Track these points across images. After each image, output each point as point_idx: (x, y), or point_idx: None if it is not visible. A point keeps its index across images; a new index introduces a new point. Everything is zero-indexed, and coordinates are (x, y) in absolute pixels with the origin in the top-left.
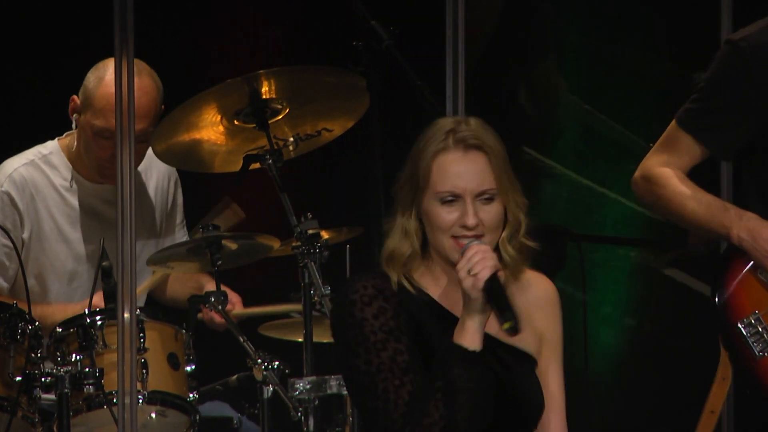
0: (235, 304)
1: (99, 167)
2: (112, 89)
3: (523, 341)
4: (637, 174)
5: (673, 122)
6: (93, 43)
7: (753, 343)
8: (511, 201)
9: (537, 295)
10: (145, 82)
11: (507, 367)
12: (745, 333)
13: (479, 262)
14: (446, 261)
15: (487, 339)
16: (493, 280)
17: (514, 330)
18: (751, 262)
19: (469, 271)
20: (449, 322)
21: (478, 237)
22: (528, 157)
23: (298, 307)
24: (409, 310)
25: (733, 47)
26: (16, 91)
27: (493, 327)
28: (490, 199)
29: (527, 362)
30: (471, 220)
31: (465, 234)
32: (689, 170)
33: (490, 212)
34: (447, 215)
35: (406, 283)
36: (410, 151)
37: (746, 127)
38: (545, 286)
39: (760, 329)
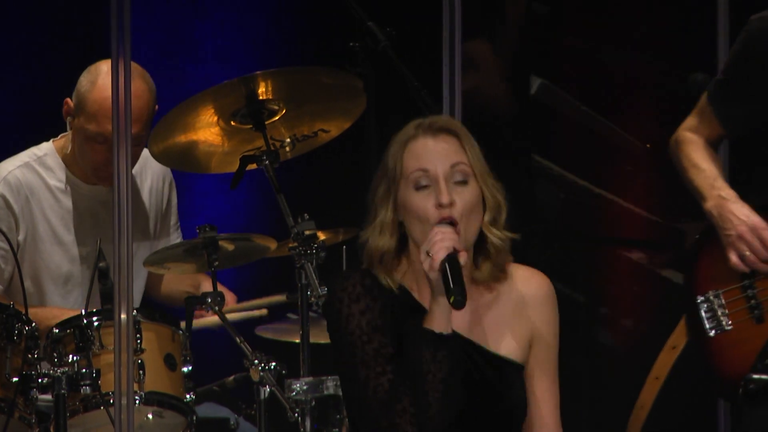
0: (228, 302)
1: (94, 170)
2: (105, 93)
3: (508, 347)
4: (673, 135)
5: (705, 91)
6: (88, 45)
7: (707, 320)
8: (487, 183)
9: (531, 293)
10: (137, 84)
11: (486, 376)
12: (702, 308)
13: (437, 242)
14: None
15: (469, 346)
16: (449, 260)
17: (458, 303)
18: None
19: (427, 252)
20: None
21: (455, 222)
22: (527, 159)
23: (285, 299)
24: (394, 310)
25: (750, 26)
26: (11, 93)
27: (476, 334)
28: (464, 182)
29: (510, 369)
30: (444, 198)
31: (442, 217)
32: (714, 140)
33: (464, 193)
34: (422, 201)
35: (389, 282)
36: (383, 156)
37: (754, 107)
38: (539, 283)
39: (716, 307)
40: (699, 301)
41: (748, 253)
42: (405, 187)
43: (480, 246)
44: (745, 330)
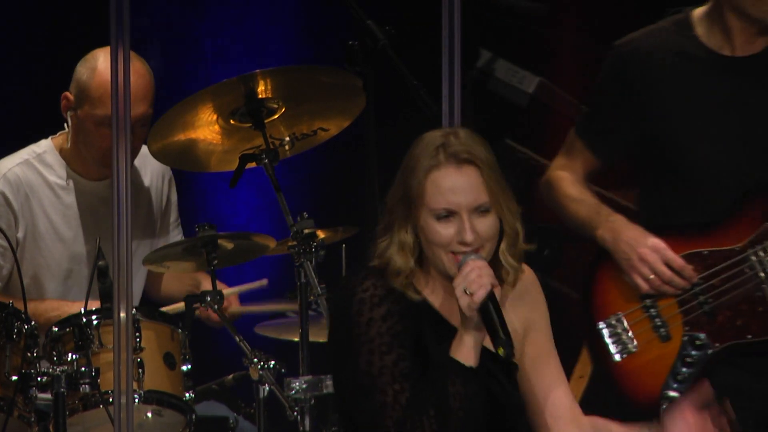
0: (231, 303)
1: (102, 158)
2: (108, 76)
3: None
4: (542, 178)
5: (573, 126)
6: (85, 42)
7: (612, 344)
8: (505, 211)
9: (518, 286)
10: (137, 66)
11: (492, 375)
12: (605, 334)
13: (475, 280)
14: (443, 274)
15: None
16: (489, 300)
17: (508, 356)
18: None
19: (465, 290)
20: (447, 330)
21: (477, 251)
22: (524, 156)
23: (294, 306)
24: (412, 316)
25: (614, 52)
26: (9, 90)
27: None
28: (485, 211)
29: (513, 369)
30: (469, 236)
31: (463, 250)
32: (588, 174)
33: (486, 224)
34: (443, 231)
35: (409, 291)
36: (401, 167)
37: (626, 132)
38: (524, 272)
39: (620, 331)
40: (601, 327)
41: (652, 276)
42: (427, 215)
43: (493, 263)
44: (652, 350)
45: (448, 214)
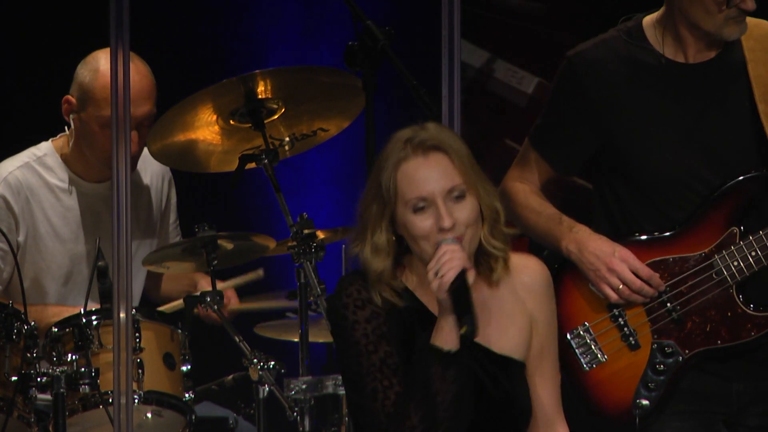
0: (231, 299)
1: (107, 160)
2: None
3: (511, 343)
4: (499, 189)
5: (527, 137)
6: (85, 43)
7: (581, 355)
8: (481, 192)
9: (526, 281)
10: (139, 66)
11: (494, 379)
12: (573, 344)
13: (446, 263)
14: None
15: (475, 348)
16: (458, 281)
17: (469, 336)
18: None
19: (436, 273)
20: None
21: (459, 239)
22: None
23: (294, 304)
24: (398, 319)
25: (567, 63)
26: (9, 92)
27: (481, 336)
28: (461, 197)
29: (514, 369)
30: (446, 222)
31: (445, 238)
32: (544, 184)
33: (464, 210)
34: (422, 222)
35: (389, 295)
36: (373, 169)
37: (583, 142)
38: (534, 269)
39: (588, 340)
40: (569, 338)
41: (621, 286)
42: (403, 209)
43: (479, 250)
44: (621, 359)
45: (424, 205)
